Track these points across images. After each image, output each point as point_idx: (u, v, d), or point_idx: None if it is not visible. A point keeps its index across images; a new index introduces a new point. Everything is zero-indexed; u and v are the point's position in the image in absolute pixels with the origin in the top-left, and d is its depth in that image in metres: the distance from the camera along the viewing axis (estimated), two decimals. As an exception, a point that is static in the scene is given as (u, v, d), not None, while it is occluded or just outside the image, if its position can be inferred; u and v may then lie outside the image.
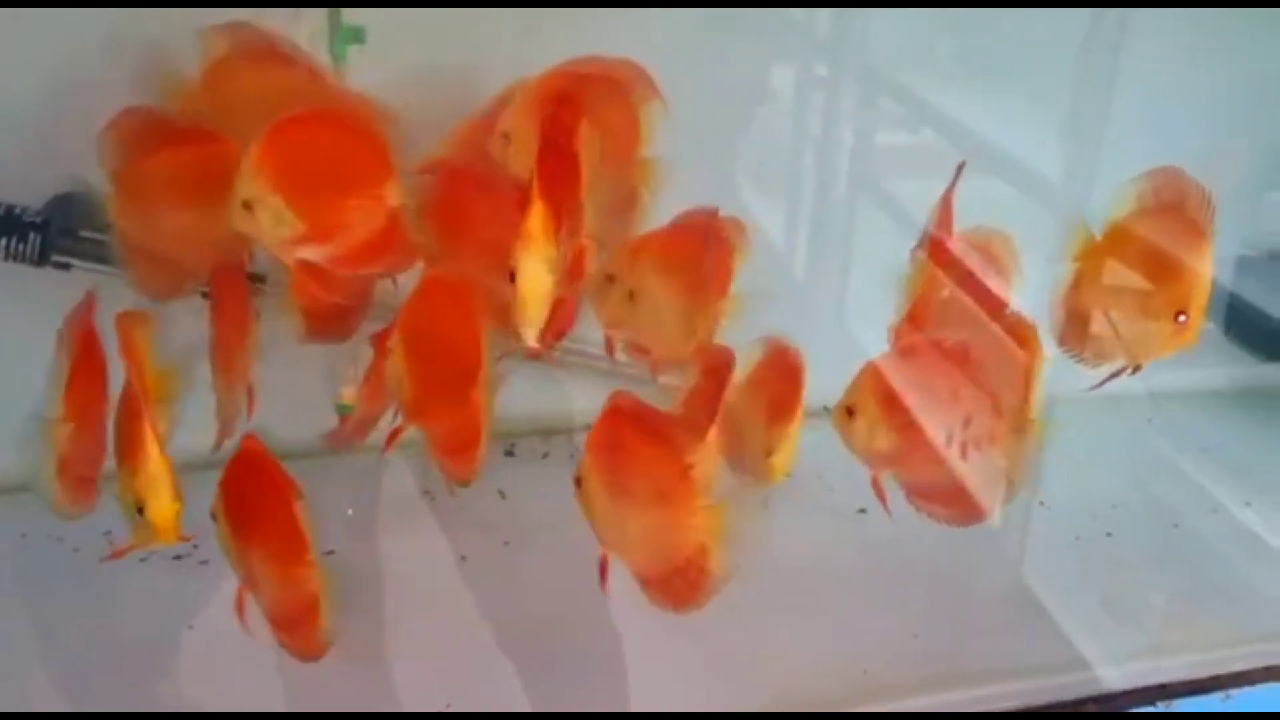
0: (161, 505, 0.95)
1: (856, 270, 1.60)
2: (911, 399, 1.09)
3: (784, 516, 1.35)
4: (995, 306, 1.17)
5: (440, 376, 1.06)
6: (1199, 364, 1.66)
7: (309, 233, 1.02)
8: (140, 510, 0.95)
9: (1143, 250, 1.14)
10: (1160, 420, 1.57)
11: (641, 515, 1.03)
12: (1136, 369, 1.17)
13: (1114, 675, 1.20)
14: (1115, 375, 1.18)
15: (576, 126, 1.06)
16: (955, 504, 1.13)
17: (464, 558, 1.29)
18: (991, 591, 1.30)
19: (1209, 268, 1.11)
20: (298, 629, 1.02)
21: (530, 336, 0.99)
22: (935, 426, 1.09)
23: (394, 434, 1.13)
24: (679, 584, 1.04)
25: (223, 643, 1.14)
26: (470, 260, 1.10)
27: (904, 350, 1.11)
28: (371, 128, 1.03)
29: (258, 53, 1.09)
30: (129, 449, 0.96)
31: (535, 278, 0.97)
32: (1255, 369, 1.68)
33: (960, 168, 1.19)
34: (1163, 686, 1.20)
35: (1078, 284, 1.18)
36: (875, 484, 1.14)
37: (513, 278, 0.96)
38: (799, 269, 1.60)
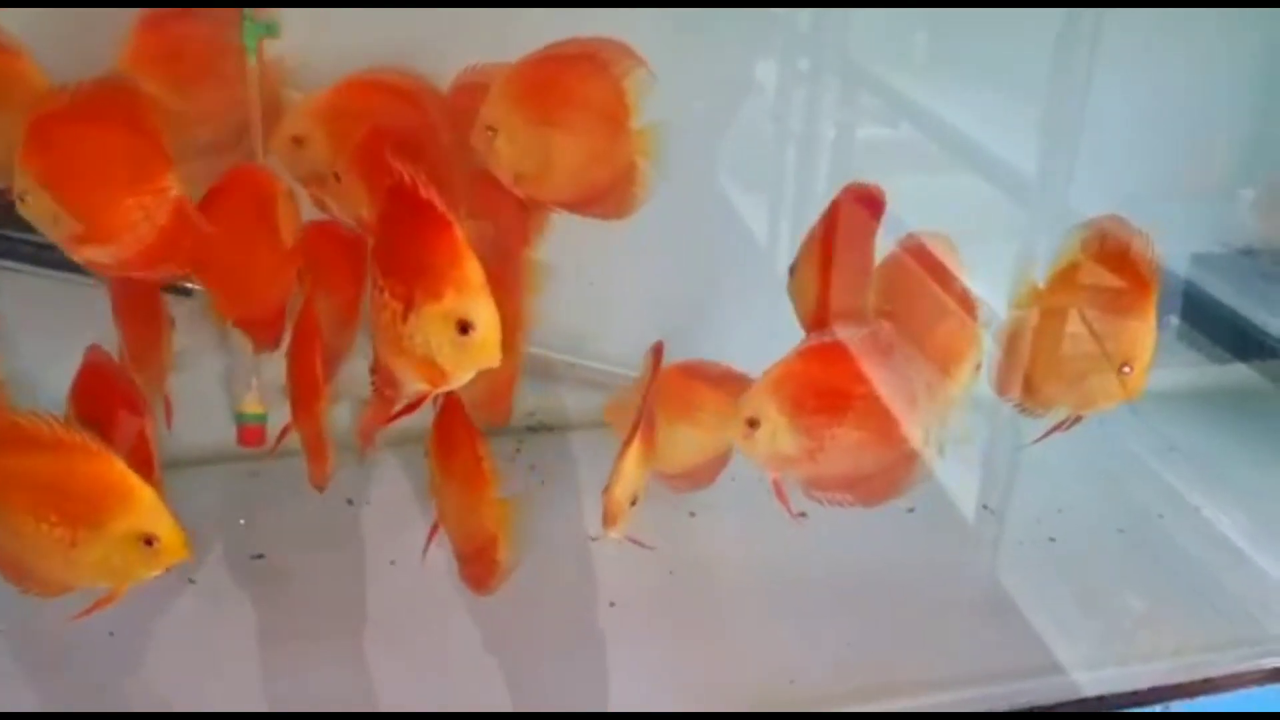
0: (169, 526, 0.94)
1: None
2: (814, 400, 1.08)
3: (725, 520, 1.35)
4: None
5: (294, 392, 1.10)
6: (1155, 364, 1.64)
7: (88, 231, 0.99)
8: (149, 541, 0.93)
9: (1086, 300, 1.12)
10: (1113, 422, 1.54)
11: (451, 497, 1.09)
12: (1077, 420, 1.14)
13: (1050, 686, 1.18)
14: (1058, 428, 1.15)
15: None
16: (858, 488, 1.12)
17: (392, 562, 1.28)
18: (928, 599, 1.27)
19: (1153, 319, 1.09)
20: None
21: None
22: (841, 423, 1.09)
23: (281, 434, 1.16)
24: (476, 568, 1.11)
25: (144, 652, 1.15)
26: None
27: (800, 353, 1.09)
28: (143, 116, 0.99)
29: None
30: (108, 489, 0.93)
31: (495, 324, 0.94)
32: (1210, 369, 1.65)
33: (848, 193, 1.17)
34: (1100, 699, 1.19)
35: (1019, 333, 1.15)
36: (776, 487, 1.12)
37: (465, 329, 0.93)
38: (780, 264, 1.59)
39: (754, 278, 1.55)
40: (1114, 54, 1.47)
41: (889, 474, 1.11)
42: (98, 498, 0.93)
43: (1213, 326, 1.68)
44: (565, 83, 1.12)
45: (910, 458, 1.13)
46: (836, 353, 1.10)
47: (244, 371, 1.26)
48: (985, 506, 1.40)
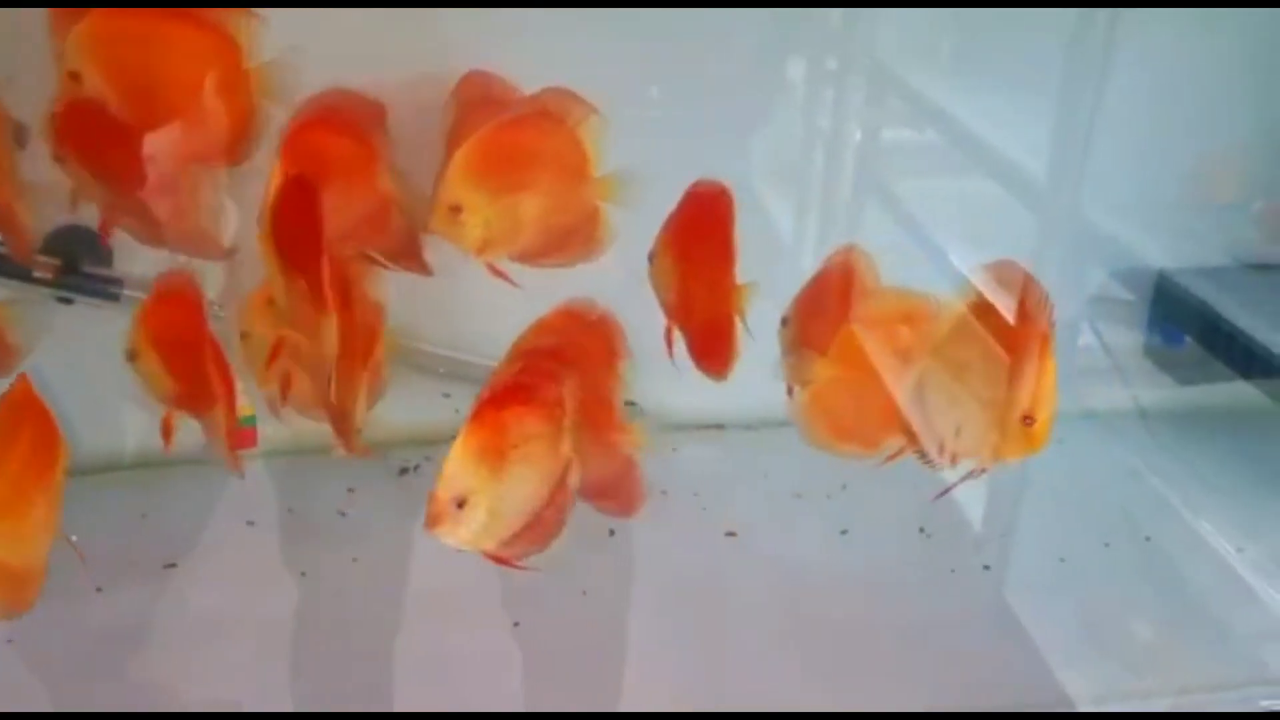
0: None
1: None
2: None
3: (645, 539, 1.31)
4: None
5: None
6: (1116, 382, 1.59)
7: None
8: None
9: (979, 350, 1.07)
10: (1072, 442, 1.48)
11: None
12: (982, 472, 1.09)
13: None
14: (965, 479, 1.10)
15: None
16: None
17: (304, 573, 1.27)
18: (847, 628, 1.23)
19: (1053, 367, 1.02)
20: None
21: None
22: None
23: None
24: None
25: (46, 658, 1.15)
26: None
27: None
28: None
29: None
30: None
31: None
32: (1173, 391, 1.58)
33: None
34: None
35: (916, 383, 1.11)
36: None
37: None
38: (805, 263, 1.56)
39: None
40: (1129, 57, 1.42)
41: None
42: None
43: (1223, 344, 1.61)
44: (522, 145, 1.13)
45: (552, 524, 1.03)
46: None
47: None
48: (921, 530, 1.35)
